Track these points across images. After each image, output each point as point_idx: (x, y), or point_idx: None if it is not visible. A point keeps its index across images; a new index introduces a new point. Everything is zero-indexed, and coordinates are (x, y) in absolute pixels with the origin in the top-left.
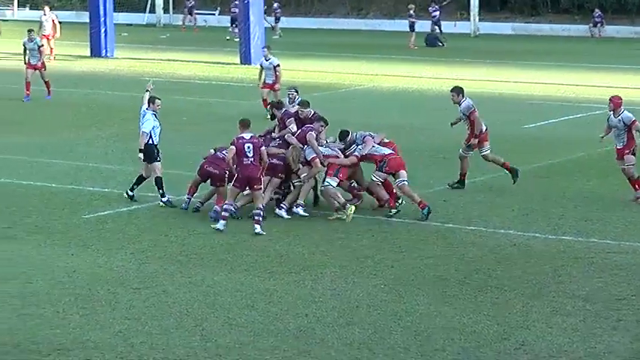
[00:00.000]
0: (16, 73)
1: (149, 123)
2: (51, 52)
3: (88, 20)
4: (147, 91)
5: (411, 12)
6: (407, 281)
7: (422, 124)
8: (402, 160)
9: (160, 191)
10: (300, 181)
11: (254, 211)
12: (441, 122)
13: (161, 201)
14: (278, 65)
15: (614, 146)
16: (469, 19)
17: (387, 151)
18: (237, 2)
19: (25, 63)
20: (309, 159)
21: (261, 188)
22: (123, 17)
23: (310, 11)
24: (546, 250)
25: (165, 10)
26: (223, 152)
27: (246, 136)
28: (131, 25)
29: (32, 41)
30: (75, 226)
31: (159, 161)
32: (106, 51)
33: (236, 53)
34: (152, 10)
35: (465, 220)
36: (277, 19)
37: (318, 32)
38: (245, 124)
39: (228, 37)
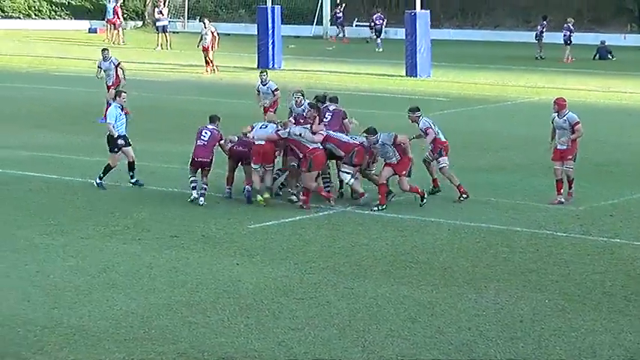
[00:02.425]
0: (183, 83)
1: (113, 114)
2: (211, 64)
3: (256, 33)
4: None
5: (570, 25)
6: (572, 296)
7: (589, 137)
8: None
9: (130, 173)
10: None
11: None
12: (612, 135)
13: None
14: (277, 89)
15: (555, 147)
16: (639, 32)
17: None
18: (379, 14)
19: (106, 85)
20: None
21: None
22: (290, 29)
23: (477, 23)
24: None
25: (332, 22)
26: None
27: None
28: (298, 37)
29: (107, 60)
30: (240, 236)
31: (128, 146)
32: (274, 62)
33: (402, 65)
34: (319, 22)
35: (632, 236)
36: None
37: (484, 44)
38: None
39: (291, 46)
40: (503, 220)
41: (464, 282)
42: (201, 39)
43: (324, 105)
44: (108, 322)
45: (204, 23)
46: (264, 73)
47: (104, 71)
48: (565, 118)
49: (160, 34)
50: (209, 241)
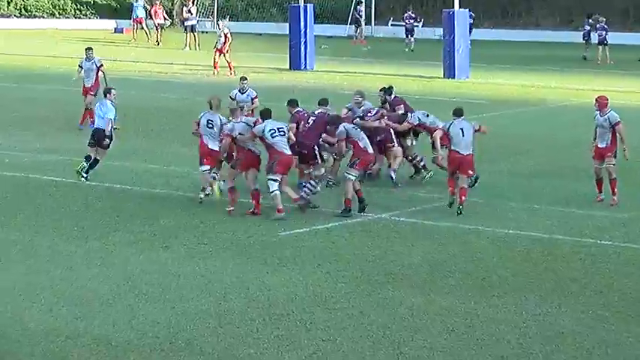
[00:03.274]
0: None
1: (112, 110)
2: (229, 66)
3: (287, 32)
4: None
5: (603, 24)
6: (616, 308)
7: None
8: None
9: (89, 169)
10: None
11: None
12: None
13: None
14: (256, 97)
15: (595, 145)
16: None
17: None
18: (410, 14)
19: (83, 86)
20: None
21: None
22: (323, 29)
23: (518, 23)
24: None
25: (367, 22)
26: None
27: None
28: (331, 37)
29: (90, 60)
30: (271, 243)
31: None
32: (306, 63)
33: (439, 66)
34: (353, 22)
35: None
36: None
37: (524, 45)
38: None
39: (324, 46)
40: (544, 227)
41: (503, 292)
42: (218, 40)
43: (390, 97)
44: (133, 333)
45: (218, 24)
46: (245, 80)
47: (84, 71)
48: (606, 116)
49: (188, 34)
50: (238, 248)
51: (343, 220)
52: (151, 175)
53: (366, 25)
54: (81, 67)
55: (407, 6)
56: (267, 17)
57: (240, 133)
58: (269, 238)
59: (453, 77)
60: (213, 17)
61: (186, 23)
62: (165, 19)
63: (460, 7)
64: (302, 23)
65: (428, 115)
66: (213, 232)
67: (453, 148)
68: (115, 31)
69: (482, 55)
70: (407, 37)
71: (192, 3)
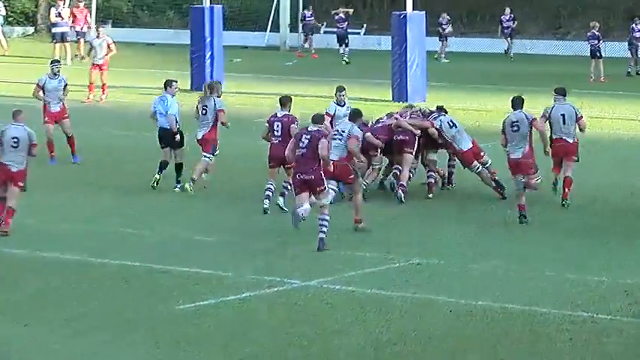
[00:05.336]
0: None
1: (174, 107)
2: (103, 89)
3: (189, 42)
4: None
5: (594, 31)
6: None
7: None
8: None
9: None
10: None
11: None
12: None
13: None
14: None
15: None
16: None
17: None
18: (342, 15)
19: (47, 111)
20: None
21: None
22: (235, 37)
23: (488, 30)
24: None
25: (292, 29)
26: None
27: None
28: (247, 47)
29: (56, 78)
30: (165, 320)
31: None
32: None
33: (387, 86)
34: (274, 29)
35: None
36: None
37: (497, 57)
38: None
39: (236, 60)
40: (524, 296)
41: None
42: (90, 51)
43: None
44: None
45: (98, 32)
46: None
47: (48, 92)
48: None
49: (59, 44)
50: (123, 325)
51: (259, 289)
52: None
53: (290, 32)
54: (42, 87)
55: (340, 6)
56: (163, 22)
57: None
58: (163, 313)
59: (405, 101)
60: (90, 22)
61: (54, 30)
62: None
63: (414, 9)
64: (207, 30)
65: (452, 126)
66: (89, 305)
67: (555, 135)
68: None
69: (444, 71)
70: (340, 45)
71: (64, 4)
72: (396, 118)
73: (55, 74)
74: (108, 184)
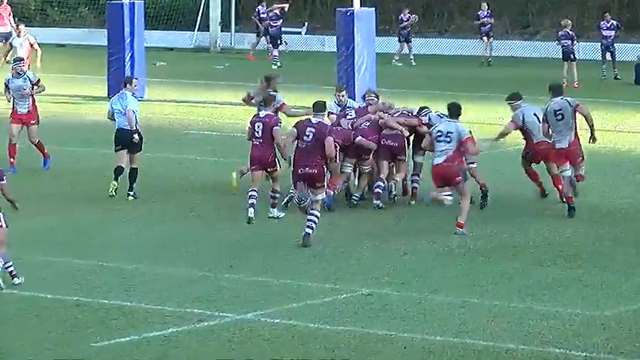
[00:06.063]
0: None
1: (134, 103)
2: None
3: (105, 43)
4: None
5: (567, 31)
6: None
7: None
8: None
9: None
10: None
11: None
12: None
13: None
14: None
15: None
16: None
17: None
18: (277, 12)
19: (15, 112)
20: None
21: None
22: (159, 38)
23: (447, 29)
24: None
25: (224, 28)
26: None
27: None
28: (172, 49)
29: (21, 76)
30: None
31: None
32: None
33: (332, 92)
34: (204, 28)
35: None
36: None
37: (456, 60)
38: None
39: (160, 63)
40: (488, 331)
41: None
42: (8, 53)
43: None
44: None
45: (18, 31)
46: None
47: (14, 92)
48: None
49: None
50: None
51: (187, 324)
52: None
53: (222, 31)
54: (8, 86)
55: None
56: (76, 20)
57: None
58: (77, 351)
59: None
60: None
61: None
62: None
63: (362, 5)
64: (127, 29)
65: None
66: None
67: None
68: None
69: (396, 77)
70: (274, 47)
71: None
72: (381, 117)
73: (19, 73)
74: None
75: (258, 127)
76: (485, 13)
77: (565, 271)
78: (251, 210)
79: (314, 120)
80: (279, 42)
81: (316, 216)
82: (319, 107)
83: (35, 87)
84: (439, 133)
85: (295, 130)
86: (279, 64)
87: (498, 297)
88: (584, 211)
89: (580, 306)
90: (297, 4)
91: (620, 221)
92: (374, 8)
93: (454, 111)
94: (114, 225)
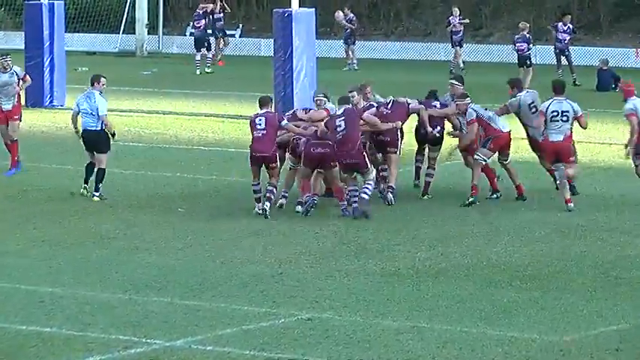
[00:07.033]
0: None
1: (102, 103)
2: None
3: (23, 46)
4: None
5: (525, 33)
6: None
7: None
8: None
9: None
10: None
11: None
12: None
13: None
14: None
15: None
16: None
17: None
18: (199, 11)
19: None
20: None
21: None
22: (81, 41)
23: (393, 31)
24: None
25: (152, 30)
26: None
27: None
28: (94, 53)
29: (7, 71)
30: None
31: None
32: (52, 97)
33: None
34: (130, 30)
35: None
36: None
37: (416, 65)
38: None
39: (82, 68)
40: (436, 358)
41: None
42: None
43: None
44: None
45: None
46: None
47: (1, 88)
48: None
49: None
50: None
51: (112, 352)
52: None
53: (149, 34)
54: None
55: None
56: None
57: None
58: None
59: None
60: None
61: None
62: None
63: (301, 5)
64: (45, 32)
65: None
66: None
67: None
68: None
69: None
70: (198, 50)
71: None
72: (377, 108)
73: (5, 68)
74: None
75: (260, 120)
76: (458, 18)
77: (521, 293)
78: (267, 204)
79: (339, 111)
80: (206, 46)
81: (371, 185)
82: (344, 100)
83: (22, 82)
84: (554, 113)
85: (325, 128)
86: (208, 69)
87: (449, 321)
88: (540, 229)
89: (537, 331)
90: (231, 5)
91: (580, 239)
92: (314, 9)
93: (559, 88)
94: (30, 246)
